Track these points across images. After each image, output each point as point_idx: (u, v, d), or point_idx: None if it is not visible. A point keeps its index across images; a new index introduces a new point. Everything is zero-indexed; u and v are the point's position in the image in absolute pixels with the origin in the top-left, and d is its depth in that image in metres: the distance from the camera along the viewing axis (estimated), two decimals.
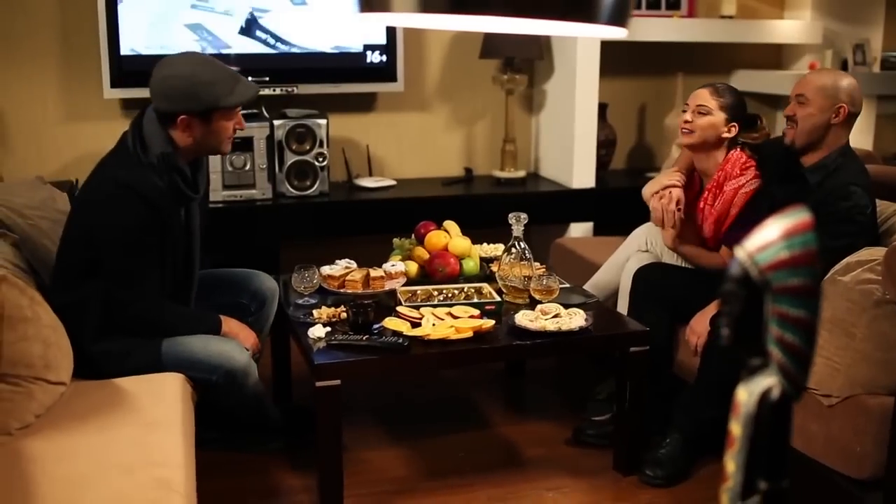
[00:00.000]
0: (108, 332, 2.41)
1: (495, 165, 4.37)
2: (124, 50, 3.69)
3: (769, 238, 1.08)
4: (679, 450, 2.66)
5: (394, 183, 4.14)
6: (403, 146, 4.34)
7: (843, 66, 4.58)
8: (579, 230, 4.27)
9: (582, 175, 4.17)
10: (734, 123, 2.89)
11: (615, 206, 4.23)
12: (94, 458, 1.88)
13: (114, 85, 3.71)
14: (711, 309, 2.69)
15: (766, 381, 1.12)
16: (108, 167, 2.47)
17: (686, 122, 2.91)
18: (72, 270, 2.45)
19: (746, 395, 1.14)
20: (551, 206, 4.13)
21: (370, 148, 4.24)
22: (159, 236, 2.43)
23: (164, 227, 2.44)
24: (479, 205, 4.02)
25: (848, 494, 2.18)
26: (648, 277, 2.89)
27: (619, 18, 1.08)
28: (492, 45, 4.12)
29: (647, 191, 3.02)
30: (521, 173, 4.30)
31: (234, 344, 2.50)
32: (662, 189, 2.94)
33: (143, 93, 3.70)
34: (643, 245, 3.14)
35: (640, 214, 3.58)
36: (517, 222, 2.82)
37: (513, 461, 2.78)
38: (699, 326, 2.73)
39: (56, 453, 1.89)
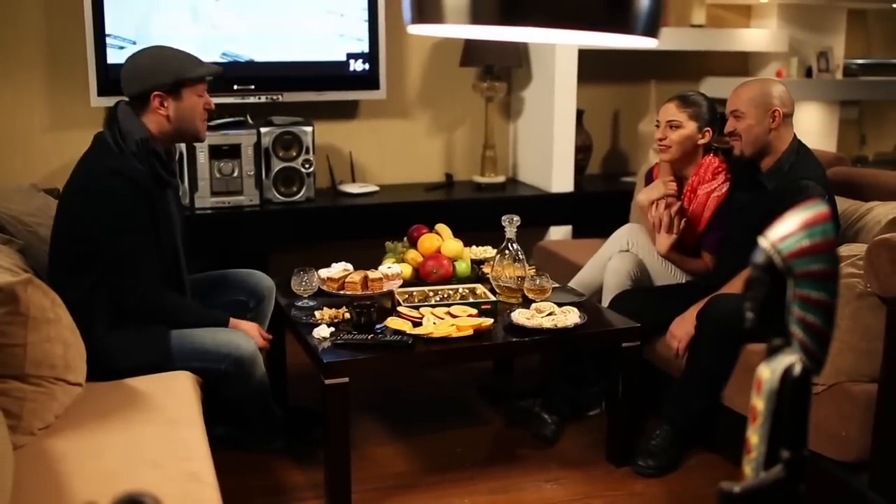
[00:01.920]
0: (116, 327, 2.48)
1: (475, 171, 4.47)
2: (111, 59, 3.73)
3: (791, 229, 1.19)
4: (669, 441, 2.77)
5: (377, 189, 4.22)
6: (385, 152, 4.42)
7: (808, 73, 4.77)
8: (559, 233, 4.39)
9: (561, 180, 4.28)
10: (707, 129, 3.04)
11: (593, 210, 4.37)
12: (122, 455, 1.94)
13: (101, 93, 3.74)
14: (691, 313, 2.80)
15: (788, 359, 1.23)
16: (89, 163, 2.56)
17: (660, 139, 3.05)
18: (67, 269, 2.50)
19: (769, 372, 1.24)
20: (531, 210, 4.22)
21: (353, 154, 4.31)
22: (150, 220, 2.51)
23: (153, 211, 2.52)
24: (462, 209, 4.12)
25: (835, 477, 2.31)
26: (624, 304, 2.98)
27: (652, 29, 1.18)
28: (472, 53, 4.22)
29: (644, 198, 3.14)
30: (501, 178, 4.40)
31: (241, 333, 2.59)
32: (662, 198, 3.05)
33: None
34: (624, 245, 3.25)
35: (617, 217, 3.73)
36: (510, 224, 2.91)
37: (509, 455, 2.87)
38: (679, 331, 2.83)
39: (83, 451, 1.94)
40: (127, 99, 2.61)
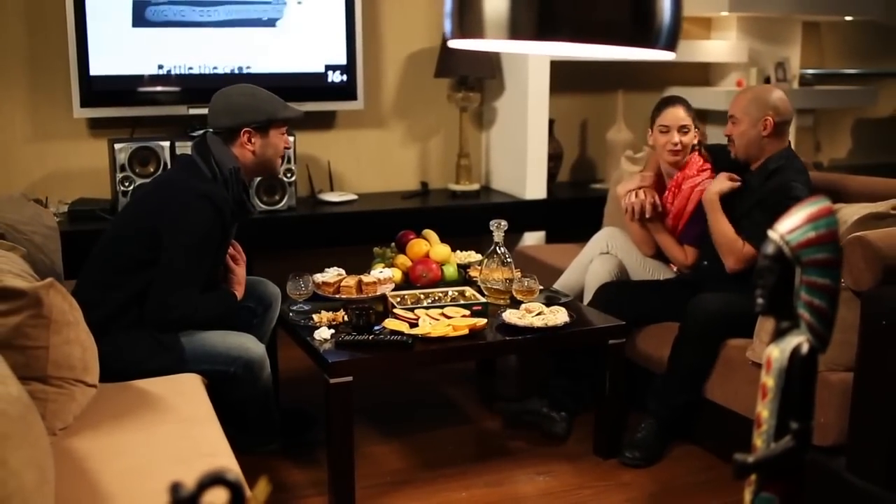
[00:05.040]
0: (134, 331, 2.57)
1: (449, 179, 4.59)
2: (94, 70, 3.77)
3: (798, 222, 1.32)
4: (654, 434, 2.90)
5: (356, 197, 4.31)
6: (362, 162, 4.51)
7: (766, 83, 4.96)
8: (532, 238, 4.52)
9: (534, 187, 4.41)
10: (697, 129, 3.21)
11: (565, 216, 4.52)
12: (145, 453, 2.00)
13: (84, 104, 3.78)
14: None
15: (796, 340, 1.36)
16: (179, 181, 2.68)
17: (674, 143, 3.19)
18: (114, 269, 2.61)
19: (779, 352, 1.37)
20: (506, 217, 4.31)
21: (331, 164, 4.40)
22: (217, 248, 2.66)
23: (222, 240, 2.67)
24: (439, 216, 4.21)
25: (814, 461, 2.45)
26: (607, 296, 3.13)
27: (671, 44, 1.30)
28: (446, 64, 4.33)
29: (622, 189, 3.31)
30: (475, 186, 4.52)
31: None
32: (637, 188, 3.22)
33: (113, 112, 3.86)
34: (604, 248, 3.40)
35: (589, 223, 3.87)
36: (498, 229, 3.04)
37: (499, 451, 2.98)
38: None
39: (106, 450, 1.99)
40: (211, 130, 2.74)
